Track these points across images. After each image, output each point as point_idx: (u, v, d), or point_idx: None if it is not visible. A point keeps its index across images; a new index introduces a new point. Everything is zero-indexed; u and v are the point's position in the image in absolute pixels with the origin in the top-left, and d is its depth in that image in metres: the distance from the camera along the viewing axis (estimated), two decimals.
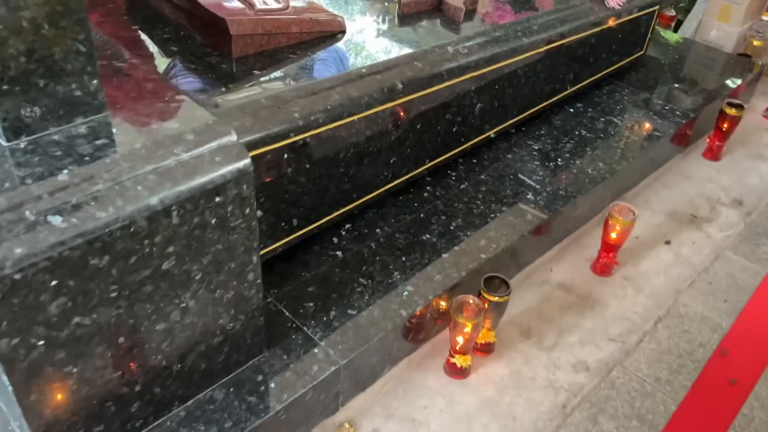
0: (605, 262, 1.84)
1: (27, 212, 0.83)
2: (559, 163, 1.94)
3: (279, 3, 1.50)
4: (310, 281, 1.45)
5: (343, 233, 1.60)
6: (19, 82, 0.87)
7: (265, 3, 1.47)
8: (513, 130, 2.05)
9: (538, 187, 1.82)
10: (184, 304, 1.05)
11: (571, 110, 2.21)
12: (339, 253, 1.54)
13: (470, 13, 1.80)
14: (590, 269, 1.87)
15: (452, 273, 1.51)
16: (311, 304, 1.39)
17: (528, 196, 1.78)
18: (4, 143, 0.90)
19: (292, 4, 1.52)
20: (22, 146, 0.91)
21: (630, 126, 2.18)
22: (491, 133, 1.87)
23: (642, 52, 2.48)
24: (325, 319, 1.36)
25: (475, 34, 1.70)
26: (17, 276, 0.80)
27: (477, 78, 1.67)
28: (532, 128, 2.08)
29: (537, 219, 1.71)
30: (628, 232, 1.78)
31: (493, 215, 1.70)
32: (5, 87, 0.86)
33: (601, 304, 1.76)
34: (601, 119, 2.18)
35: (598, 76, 2.26)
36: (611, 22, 2.12)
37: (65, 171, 0.88)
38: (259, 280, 1.17)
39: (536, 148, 1.99)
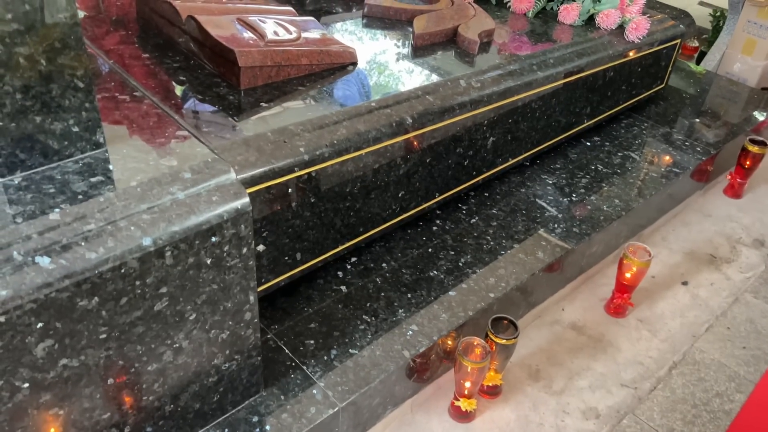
0: (619, 303, 1.79)
1: (15, 253, 0.81)
2: (573, 198, 1.89)
3: (291, 34, 1.49)
4: (312, 317, 1.42)
5: (349, 267, 1.57)
6: (15, 118, 0.86)
7: (276, 34, 1.46)
8: (527, 163, 2.01)
9: (551, 223, 1.78)
10: (177, 345, 1.02)
11: (588, 144, 2.17)
12: (343, 287, 1.50)
13: (485, 46, 1.77)
14: (603, 309, 1.82)
15: (459, 312, 1.46)
16: (312, 342, 1.36)
17: (540, 233, 1.74)
18: None
19: (304, 35, 1.51)
20: (16, 182, 0.89)
21: (648, 161, 2.13)
22: (504, 167, 1.84)
23: (662, 86, 2.44)
24: (325, 358, 1.32)
25: (489, 67, 1.67)
26: (1, 318, 0.78)
27: (490, 111, 1.64)
28: (547, 161, 2.04)
29: (549, 257, 1.66)
30: (644, 273, 1.72)
31: (503, 252, 1.66)
32: (0, 124, 0.85)
33: (613, 347, 1.71)
34: (619, 154, 2.13)
35: (616, 109, 2.22)
36: (631, 55, 2.08)
37: (57, 210, 0.86)
38: (256, 320, 1.14)
39: (551, 182, 1.95)
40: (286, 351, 1.33)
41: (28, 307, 0.80)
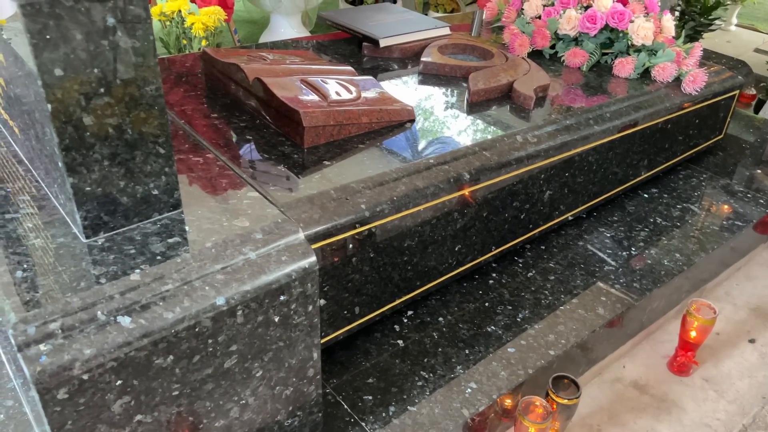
0: (683, 361, 1.73)
1: (99, 312, 0.85)
2: (632, 252, 1.86)
3: (351, 93, 1.54)
4: (370, 371, 1.42)
5: (405, 320, 1.57)
6: (102, 184, 0.91)
7: (338, 94, 1.51)
8: (584, 215, 1.99)
9: (610, 277, 1.75)
10: (243, 401, 1.04)
11: (645, 196, 2.14)
12: (400, 342, 1.51)
13: (540, 100, 1.79)
14: (666, 367, 1.76)
15: (518, 370, 1.44)
16: (370, 397, 1.36)
17: (600, 287, 1.71)
18: (84, 240, 0.94)
19: (364, 94, 1.56)
20: (100, 243, 0.94)
21: (709, 213, 2.08)
22: (560, 220, 1.83)
23: (720, 137, 2.40)
24: (384, 414, 1.32)
25: (545, 121, 1.68)
26: (85, 376, 0.82)
27: (547, 166, 1.64)
28: (604, 213, 2.02)
29: (610, 312, 1.63)
30: (708, 330, 1.67)
31: (562, 307, 1.63)
32: (88, 189, 0.90)
33: (678, 408, 1.64)
34: (678, 206, 2.10)
35: (673, 161, 2.19)
36: (688, 108, 2.06)
37: (137, 270, 0.90)
38: (318, 376, 1.15)
39: (608, 235, 1.92)
40: (345, 406, 1.34)
41: (110, 365, 0.84)
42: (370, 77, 1.69)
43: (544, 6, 2.15)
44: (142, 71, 0.87)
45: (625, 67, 2.00)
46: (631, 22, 2.02)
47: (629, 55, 2.05)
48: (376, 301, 1.43)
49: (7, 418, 1.26)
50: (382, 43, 1.96)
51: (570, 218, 1.87)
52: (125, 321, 0.85)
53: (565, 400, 1.38)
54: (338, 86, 1.55)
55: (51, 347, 0.80)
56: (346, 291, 1.34)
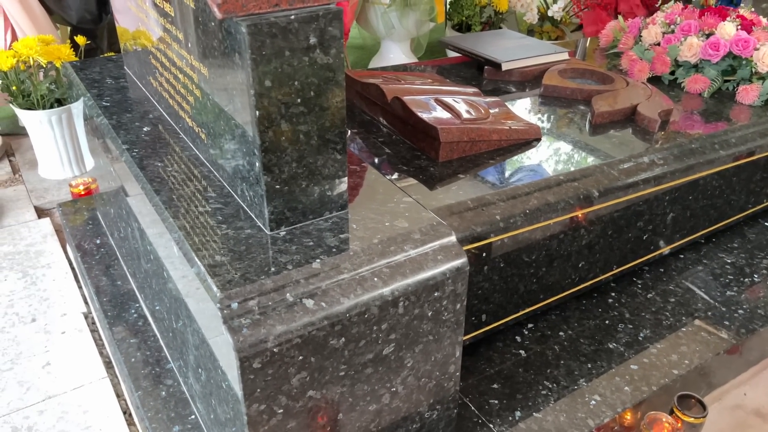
0: None
1: (288, 294, 0.96)
2: (755, 279, 1.84)
3: (481, 112, 1.62)
4: (494, 378, 1.48)
5: (526, 332, 1.62)
6: (288, 183, 1.03)
7: (469, 112, 1.60)
8: (703, 241, 1.98)
9: (732, 303, 1.73)
10: (394, 389, 1.12)
11: (767, 224, 2.10)
12: (522, 352, 1.56)
13: (664, 124, 1.81)
14: None
15: (642, 386, 1.46)
16: (496, 401, 1.42)
17: (721, 312, 1.70)
18: (268, 232, 1.06)
19: (492, 112, 1.64)
20: (282, 235, 1.06)
21: None
22: (682, 243, 1.83)
23: None
24: (510, 418, 1.37)
25: (670, 144, 1.70)
26: (276, 349, 0.93)
27: (672, 188, 1.66)
28: (724, 240, 2.00)
29: (732, 337, 1.62)
30: None
31: (683, 329, 1.64)
32: (277, 187, 1.02)
33: None
34: None
35: None
36: None
37: (318, 260, 1.01)
38: (458, 373, 1.22)
39: (729, 261, 1.91)
40: (472, 408, 1.40)
41: (295, 341, 0.94)
42: (497, 98, 1.77)
43: (664, 33, 2.18)
44: (332, 85, 0.99)
45: (749, 93, 1.99)
46: (756, 49, 2.01)
47: (752, 82, 2.04)
48: (502, 310, 1.50)
49: (168, 395, 1.41)
50: (504, 67, 2.05)
51: (690, 242, 1.87)
52: (309, 303, 0.96)
53: (692, 419, 1.38)
54: (468, 105, 1.65)
55: (250, 321, 0.92)
56: (475, 298, 1.41)
